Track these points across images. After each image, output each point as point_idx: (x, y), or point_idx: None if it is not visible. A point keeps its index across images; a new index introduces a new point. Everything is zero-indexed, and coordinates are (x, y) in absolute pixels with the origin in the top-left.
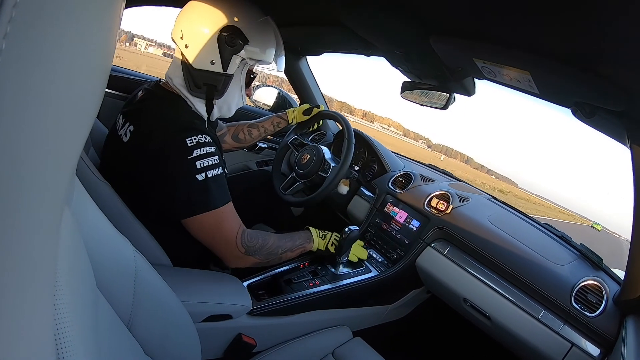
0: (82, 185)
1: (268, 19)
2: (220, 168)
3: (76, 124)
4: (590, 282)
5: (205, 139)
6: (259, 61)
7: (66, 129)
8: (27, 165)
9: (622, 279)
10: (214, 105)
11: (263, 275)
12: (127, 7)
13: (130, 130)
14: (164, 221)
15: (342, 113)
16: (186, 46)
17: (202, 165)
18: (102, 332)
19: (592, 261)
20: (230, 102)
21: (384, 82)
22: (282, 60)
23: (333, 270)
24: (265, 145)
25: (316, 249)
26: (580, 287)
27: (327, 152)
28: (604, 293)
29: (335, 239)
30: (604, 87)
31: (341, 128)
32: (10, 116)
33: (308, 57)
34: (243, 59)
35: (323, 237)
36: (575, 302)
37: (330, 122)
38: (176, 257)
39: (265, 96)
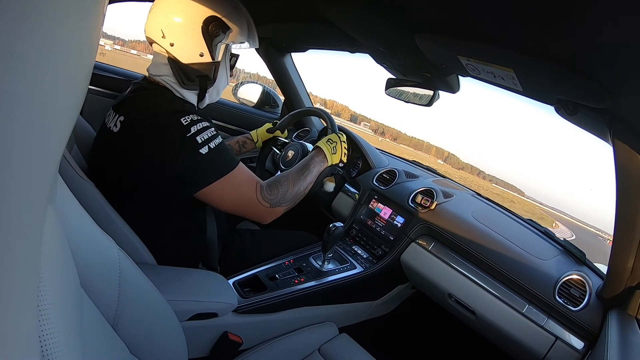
0: (65, 184)
1: (237, 1)
2: (219, 137)
3: (58, 121)
4: (574, 276)
5: (198, 116)
6: (241, 43)
7: (48, 126)
8: (8, 162)
9: (605, 273)
10: (206, 95)
11: (248, 273)
12: (110, 2)
13: (120, 120)
14: (169, 203)
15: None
16: (171, 44)
17: (202, 139)
18: (87, 332)
19: (575, 256)
20: (219, 87)
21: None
22: (256, 37)
23: (318, 266)
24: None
25: (332, 164)
26: (563, 282)
27: (311, 148)
28: (587, 287)
29: (345, 147)
30: (586, 85)
31: (325, 124)
32: None
33: (293, 54)
34: (227, 44)
35: (334, 151)
36: (559, 297)
37: (314, 118)
38: (162, 255)
39: (249, 93)
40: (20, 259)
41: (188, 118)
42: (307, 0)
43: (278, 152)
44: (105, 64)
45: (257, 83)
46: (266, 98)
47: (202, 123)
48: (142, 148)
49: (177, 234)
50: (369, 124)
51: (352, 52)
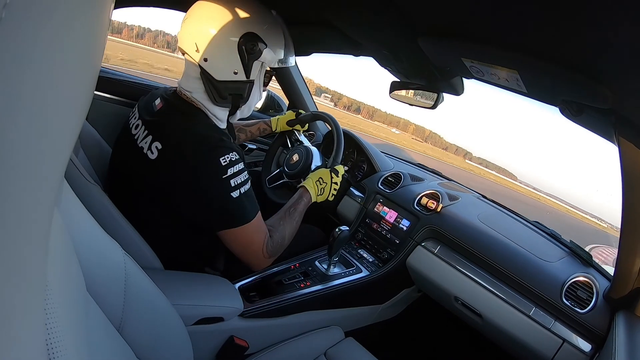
0: (71, 188)
1: (276, 15)
2: (249, 182)
3: (65, 126)
4: (581, 278)
5: (235, 155)
6: (279, 60)
7: (55, 130)
8: (16, 167)
9: (612, 274)
10: (237, 111)
11: (254, 277)
12: (116, 7)
13: (157, 147)
14: (194, 229)
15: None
16: (205, 60)
17: (235, 183)
18: (93, 335)
19: (582, 258)
20: (251, 104)
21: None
22: (293, 54)
23: (324, 270)
24: (255, 147)
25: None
26: (570, 284)
27: (316, 155)
28: (594, 289)
29: (334, 189)
30: (591, 86)
31: (330, 129)
32: None
33: (297, 58)
34: (262, 62)
35: (321, 192)
36: (566, 299)
37: (320, 122)
38: (169, 259)
39: None
40: (26, 264)
41: (227, 158)
42: (311, 5)
43: (286, 151)
44: (111, 69)
45: None
46: (270, 102)
47: (239, 165)
48: (178, 180)
49: (184, 239)
50: (329, 96)
51: (356, 55)
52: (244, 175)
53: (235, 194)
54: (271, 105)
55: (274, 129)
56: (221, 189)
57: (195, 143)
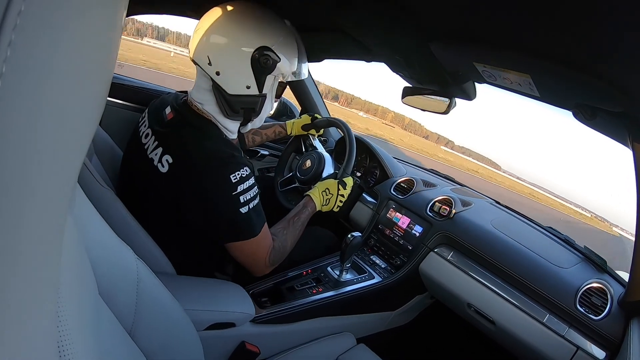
0: (84, 193)
1: (290, 25)
2: (258, 196)
3: (78, 132)
4: (595, 284)
5: (246, 171)
6: (291, 74)
7: (69, 136)
8: (30, 173)
9: (627, 281)
10: (249, 123)
11: (266, 283)
12: (128, 15)
13: (168, 161)
14: (200, 239)
15: None
16: (217, 73)
17: (245, 200)
18: (105, 339)
19: (596, 263)
20: (262, 117)
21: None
22: (306, 66)
23: (336, 276)
24: (267, 153)
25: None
26: (584, 290)
27: (328, 162)
28: (608, 295)
29: (340, 200)
30: (604, 89)
31: (342, 135)
32: (12, 124)
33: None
34: (275, 76)
35: (327, 203)
36: (580, 305)
37: (332, 128)
38: (180, 264)
39: None
40: (39, 267)
41: (238, 175)
42: (323, 11)
43: (299, 157)
44: (123, 76)
45: None
46: (283, 108)
47: (249, 181)
48: (189, 194)
49: (194, 245)
50: None
51: (368, 61)
52: (254, 191)
53: (244, 210)
54: (284, 111)
55: (289, 133)
56: (230, 205)
57: (206, 158)
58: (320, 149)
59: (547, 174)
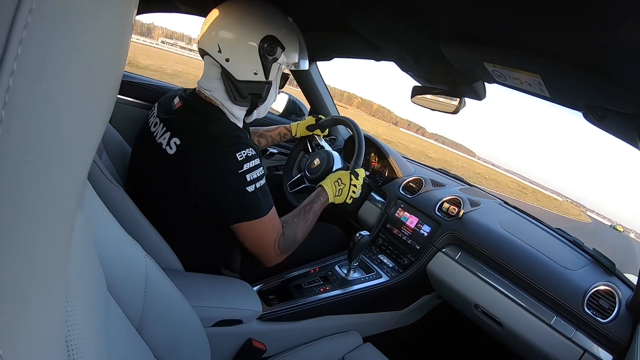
0: (94, 189)
1: (292, 22)
2: (264, 177)
3: (89, 129)
4: (603, 287)
5: (252, 151)
6: (294, 63)
7: (79, 134)
8: (41, 170)
9: (635, 284)
10: (255, 111)
11: (274, 281)
12: (139, 13)
13: (175, 143)
14: (209, 225)
15: None
16: (227, 60)
17: (251, 178)
18: (113, 335)
19: (605, 266)
20: (267, 105)
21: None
22: (307, 60)
23: (343, 275)
24: (276, 151)
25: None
26: (592, 293)
27: (337, 159)
28: (616, 298)
29: (353, 191)
30: (615, 89)
31: (351, 133)
32: (24, 121)
33: (318, 63)
34: (280, 64)
35: (339, 193)
36: (588, 308)
37: (342, 127)
38: (187, 260)
39: (276, 102)
40: (49, 263)
41: (244, 153)
42: (333, 10)
43: (308, 155)
44: (134, 73)
45: (283, 92)
46: (292, 107)
47: (255, 160)
48: (196, 174)
49: (201, 239)
50: None
51: (378, 60)
52: (260, 171)
53: (250, 189)
54: (292, 109)
55: (293, 134)
56: (237, 183)
57: (212, 139)
58: (328, 147)
59: (522, 160)
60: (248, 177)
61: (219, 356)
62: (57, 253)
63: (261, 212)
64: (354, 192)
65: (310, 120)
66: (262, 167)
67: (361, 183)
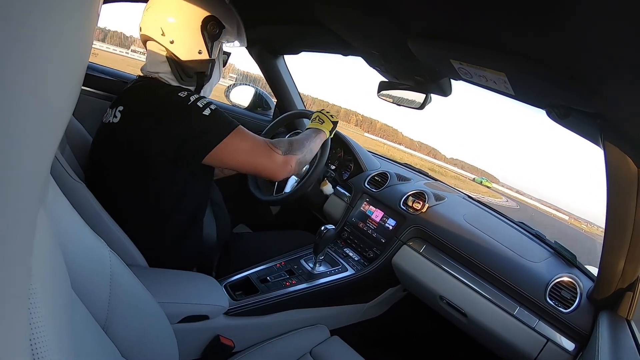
0: (57, 185)
1: (229, 2)
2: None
3: (51, 122)
4: (565, 278)
5: (193, 91)
6: (233, 41)
7: (41, 126)
8: (1, 164)
9: (596, 275)
10: (201, 90)
11: (239, 275)
12: (105, 2)
13: (119, 110)
14: (166, 205)
15: None
16: (171, 42)
17: (203, 104)
18: (78, 334)
19: (566, 258)
20: (212, 83)
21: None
22: (245, 36)
23: (309, 269)
24: None
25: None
26: (554, 284)
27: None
28: (577, 289)
29: (325, 112)
30: (577, 89)
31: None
32: None
33: (285, 56)
34: (221, 43)
35: (322, 121)
36: (550, 299)
37: (306, 121)
38: (155, 258)
39: (242, 95)
40: (11, 261)
41: (184, 92)
42: (301, 3)
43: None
44: (97, 64)
45: (249, 85)
46: (258, 100)
47: (197, 94)
48: (146, 127)
49: (164, 231)
50: (234, 76)
51: (345, 54)
52: (207, 99)
53: (207, 112)
54: (259, 103)
55: None
56: (191, 114)
57: (155, 93)
58: None
59: (490, 161)
60: (199, 104)
61: (187, 353)
62: (19, 252)
63: (230, 126)
64: (325, 113)
65: None
66: (208, 99)
67: (325, 112)
